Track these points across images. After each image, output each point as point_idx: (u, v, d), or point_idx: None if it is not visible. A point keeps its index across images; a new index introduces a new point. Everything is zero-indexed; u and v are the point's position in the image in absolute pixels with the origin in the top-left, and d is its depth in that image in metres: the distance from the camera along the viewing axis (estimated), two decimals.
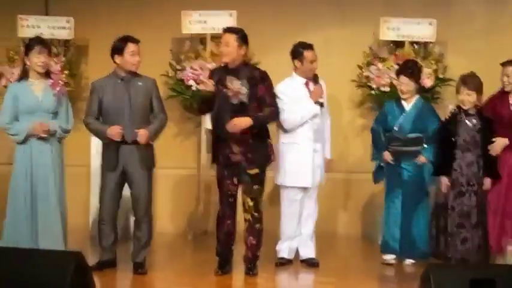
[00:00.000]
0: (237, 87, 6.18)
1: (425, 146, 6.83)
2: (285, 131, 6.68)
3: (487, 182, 6.62)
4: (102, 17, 8.65)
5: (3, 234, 6.27)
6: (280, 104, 6.49)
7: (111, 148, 6.34)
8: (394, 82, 7.53)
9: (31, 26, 8.36)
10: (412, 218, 6.88)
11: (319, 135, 6.73)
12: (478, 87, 6.63)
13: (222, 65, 6.43)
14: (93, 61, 8.58)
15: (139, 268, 6.45)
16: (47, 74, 6.44)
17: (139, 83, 6.39)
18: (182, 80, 8.15)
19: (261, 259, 6.56)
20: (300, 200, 6.75)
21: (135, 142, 6.29)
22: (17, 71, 8.06)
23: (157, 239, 7.73)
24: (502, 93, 6.93)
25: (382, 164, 7.00)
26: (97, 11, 8.71)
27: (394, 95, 7.47)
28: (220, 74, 6.32)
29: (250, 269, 6.43)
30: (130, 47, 6.33)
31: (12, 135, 6.29)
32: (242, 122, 6.14)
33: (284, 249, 6.85)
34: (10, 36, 8.38)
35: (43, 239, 6.20)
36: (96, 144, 7.55)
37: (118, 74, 6.39)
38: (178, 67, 8.22)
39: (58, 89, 6.36)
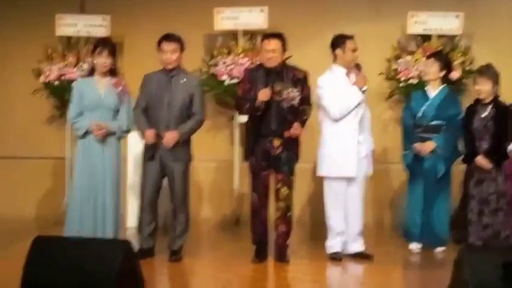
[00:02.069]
0: (292, 95, 6.39)
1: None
2: (331, 121, 6.67)
3: (480, 159, 6.77)
4: (136, 15, 8.89)
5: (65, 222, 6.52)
6: (324, 94, 6.63)
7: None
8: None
9: (68, 24, 8.63)
10: (433, 205, 7.02)
11: (361, 126, 6.74)
12: (491, 77, 6.78)
13: (258, 64, 6.68)
14: (129, 57, 8.82)
15: (174, 255, 6.68)
16: (112, 73, 6.60)
17: (183, 80, 6.62)
18: (215, 75, 8.37)
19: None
20: (344, 192, 6.75)
21: None
22: (55, 68, 8.40)
23: (192, 228, 7.97)
24: None
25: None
26: (132, 8, 8.95)
27: (422, 88, 7.63)
28: (262, 76, 6.50)
29: (282, 256, 6.62)
30: (162, 45, 6.61)
31: (75, 129, 6.55)
32: (298, 130, 6.41)
33: (336, 244, 6.77)
34: (48, 34, 8.64)
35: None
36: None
37: (165, 69, 6.65)
38: (211, 63, 8.44)
39: (120, 88, 6.55)
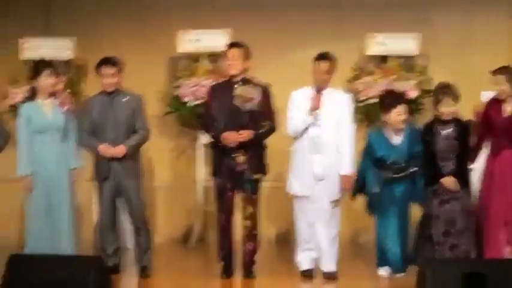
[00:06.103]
0: (251, 94, 6.56)
1: (415, 168, 6.80)
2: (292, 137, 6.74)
3: (448, 180, 6.70)
4: (101, 38, 8.95)
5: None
6: (288, 109, 6.74)
7: (101, 160, 6.74)
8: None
9: (32, 47, 8.67)
10: (406, 230, 6.94)
11: (318, 146, 6.63)
12: (459, 97, 6.79)
13: (222, 80, 6.87)
14: (92, 80, 8.85)
15: (144, 271, 6.83)
16: (53, 94, 6.77)
17: (124, 100, 6.77)
18: (178, 97, 8.49)
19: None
20: (310, 209, 6.70)
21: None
22: (20, 92, 8.44)
23: (157, 248, 8.05)
24: (494, 101, 6.95)
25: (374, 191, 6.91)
26: (95, 31, 9.03)
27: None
28: (224, 86, 6.72)
29: (249, 272, 6.79)
30: (101, 70, 6.76)
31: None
32: (244, 134, 6.50)
33: (304, 260, 6.85)
34: (13, 58, 8.68)
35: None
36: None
37: (105, 91, 6.80)
38: (174, 84, 8.56)
39: (66, 107, 6.71)
